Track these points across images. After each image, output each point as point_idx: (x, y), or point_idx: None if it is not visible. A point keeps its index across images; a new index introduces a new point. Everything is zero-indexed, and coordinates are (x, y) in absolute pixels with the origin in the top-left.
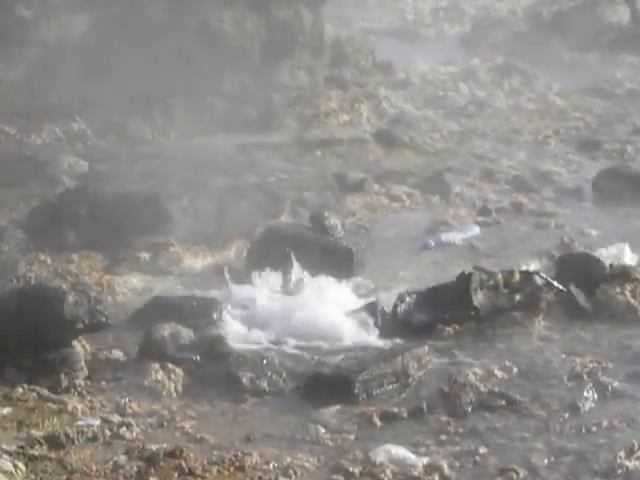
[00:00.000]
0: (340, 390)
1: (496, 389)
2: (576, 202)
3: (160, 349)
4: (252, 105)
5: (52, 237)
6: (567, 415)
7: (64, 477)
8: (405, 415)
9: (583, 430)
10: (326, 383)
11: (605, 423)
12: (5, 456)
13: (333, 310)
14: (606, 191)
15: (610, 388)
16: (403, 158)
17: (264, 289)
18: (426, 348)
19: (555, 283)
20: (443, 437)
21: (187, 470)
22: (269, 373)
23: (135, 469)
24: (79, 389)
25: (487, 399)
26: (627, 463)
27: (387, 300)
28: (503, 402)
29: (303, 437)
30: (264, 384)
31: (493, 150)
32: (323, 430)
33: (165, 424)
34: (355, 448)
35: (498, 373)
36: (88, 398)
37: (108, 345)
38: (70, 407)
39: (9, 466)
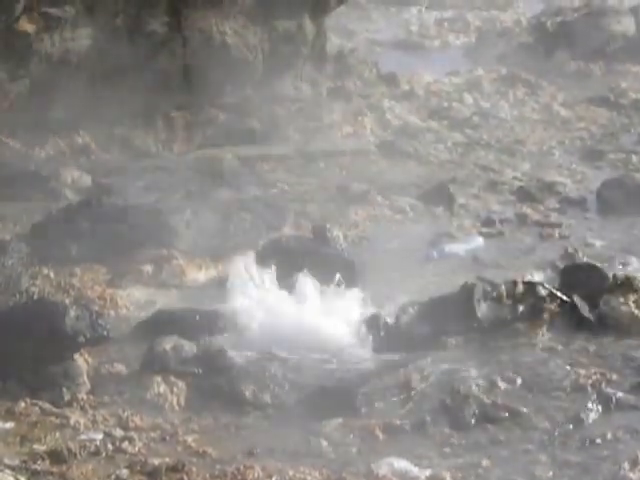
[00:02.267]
0: (342, 403)
1: (499, 401)
2: (580, 212)
3: (162, 362)
4: (255, 117)
5: (55, 251)
6: (571, 427)
7: None
8: (408, 427)
9: (587, 442)
10: (328, 396)
11: (609, 435)
12: (8, 471)
13: (336, 322)
14: (610, 201)
15: (614, 400)
16: (407, 169)
17: (266, 301)
18: (429, 360)
19: (559, 294)
20: (446, 449)
21: None
22: (271, 386)
23: None
24: (81, 403)
25: (490, 411)
26: (631, 475)
27: (390, 312)
28: (506, 414)
29: (305, 450)
30: (266, 397)
31: (497, 161)
32: (325, 443)
33: (167, 438)
34: (357, 461)
35: (501, 385)
36: (90, 412)
37: (110, 359)
38: (72, 421)
39: None
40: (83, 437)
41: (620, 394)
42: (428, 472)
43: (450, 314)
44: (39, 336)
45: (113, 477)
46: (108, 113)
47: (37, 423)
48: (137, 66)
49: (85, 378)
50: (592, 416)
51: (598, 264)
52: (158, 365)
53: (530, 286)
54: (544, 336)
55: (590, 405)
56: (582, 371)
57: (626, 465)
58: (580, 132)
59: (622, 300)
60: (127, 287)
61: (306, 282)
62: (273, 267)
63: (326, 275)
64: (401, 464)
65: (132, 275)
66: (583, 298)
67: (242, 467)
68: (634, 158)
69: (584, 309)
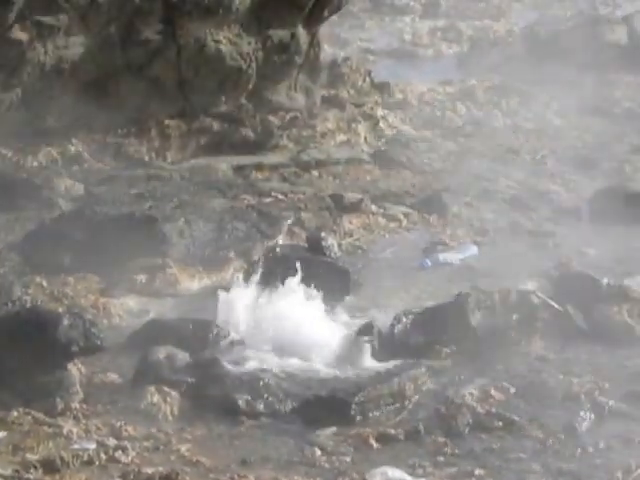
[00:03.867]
0: (336, 412)
1: (493, 410)
2: (574, 221)
3: (156, 372)
4: (249, 126)
5: (48, 260)
6: (564, 436)
7: None
8: (402, 436)
9: (580, 451)
10: (322, 405)
11: (602, 443)
12: None
13: (330, 331)
14: (604, 210)
15: (607, 408)
16: (400, 178)
17: (259, 310)
18: (423, 369)
19: (552, 303)
20: (440, 458)
21: None
22: (265, 395)
23: None
24: (74, 412)
25: (484, 420)
26: None
27: (384, 321)
28: (500, 423)
29: (299, 459)
30: (260, 406)
31: (490, 170)
32: (319, 452)
33: (161, 447)
34: (351, 470)
35: (495, 394)
36: (83, 421)
37: (104, 368)
38: (65, 430)
39: None
40: (76, 446)
41: (613, 403)
42: None
43: (444, 323)
44: (32, 345)
45: None
46: (101, 121)
47: (30, 432)
48: (130, 74)
49: (78, 387)
50: (585, 425)
51: (591, 273)
52: (151, 374)
53: (524, 295)
54: (538, 345)
55: (583, 414)
56: (575, 380)
57: (619, 474)
58: (573, 141)
59: (615, 309)
60: (120, 296)
61: (300, 291)
62: (267, 276)
63: (320, 284)
64: (395, 473)
65: (125, 284)
66: (576, 307)
67: (236, 476)
68: (627, 167)
69: (578, 318)
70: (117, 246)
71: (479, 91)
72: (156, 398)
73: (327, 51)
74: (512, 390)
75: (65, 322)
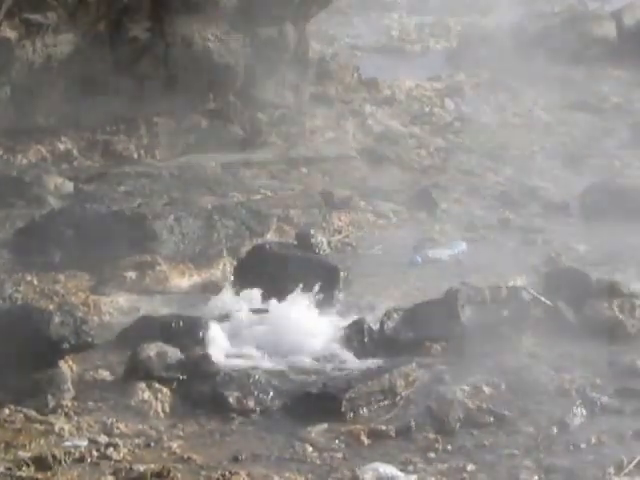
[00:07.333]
0: (327, 408)
1: (484, 406)
2: (563, 217)
3: (147, 369)
4: (237, 123)
5: (38, 257)
6: (556, 431)
7: None
8: (393, 433)
9: (572, 446)
10: (313, 401)
11: (594, 439)
12: None
13: (320, 328)
14: (593, 206)
15: (599, 404)
16: (389, 175)
17: (249, 307)
18: (414, 365)
19: (543, 299)
20: (431, 455)
21: None
22: (256, 392)
23: None
24: (66, 410)
25: (475, 416)
26: (616, 479)
27: (374, 317)
28: (491, 419)
29: (291, 456)
30: (251, 403)
31: (479, 166)
32: (311, 449)
33: (152, 444)
34: (343, 467)
35: (486, 389)
36: (75, 419)
37: (95, 365)
38: (57, 428)
39: None
40: (68, 444)
41: (604, 398)
42: (413, 477)
43: (434, 319)
44: (23, 343)
45: None
46: (90, 119)
47: (22, 430)
48: (119, 72)
49: (69, 385)
50: (577, 420)
51: (581, 269)
52: (142, 371)
53: (514, 291)
54: (528, 341)
55: (575, 409)
56: (566, 376)
57: (611, 469)
58: (562, 137)
59: (606, 305)
60: (111, 293)
61: (290, 288)
62: (256, 273)
63: (310, 281)
64: (386, 470)
65: (115, 281)
66: (567, 303)
67: (227, 473)
68: (616, 163)
69: (568, 314)
70: (107, 244)
71: (467, 87)
72: (147, 395)
73: (315, 48)
74: (503, 386)
75: (56, 320)
